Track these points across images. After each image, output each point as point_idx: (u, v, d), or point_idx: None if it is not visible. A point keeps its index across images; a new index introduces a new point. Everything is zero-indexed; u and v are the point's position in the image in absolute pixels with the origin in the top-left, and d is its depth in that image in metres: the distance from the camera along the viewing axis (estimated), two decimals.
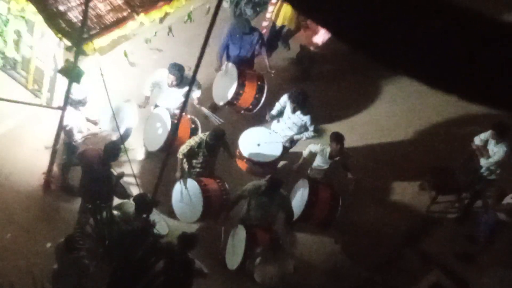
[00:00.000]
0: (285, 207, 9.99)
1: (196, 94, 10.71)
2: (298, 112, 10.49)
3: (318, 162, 10.56)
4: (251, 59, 11.39)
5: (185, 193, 10.10)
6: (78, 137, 10.01)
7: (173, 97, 10.52)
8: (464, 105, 11.48)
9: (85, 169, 9.70)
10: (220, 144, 10.20)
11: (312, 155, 10.62)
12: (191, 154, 10.17)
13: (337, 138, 10.31)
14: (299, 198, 10.41)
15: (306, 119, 10.52)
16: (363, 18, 1.68)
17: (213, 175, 10.46)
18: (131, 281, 6.74)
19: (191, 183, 10.08)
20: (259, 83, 11.06)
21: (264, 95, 11.04)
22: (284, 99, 10.73)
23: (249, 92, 11.00)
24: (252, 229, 9.79)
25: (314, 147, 10.58)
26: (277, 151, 10.63)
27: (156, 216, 9.67)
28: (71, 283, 8.81)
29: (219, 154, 10.53)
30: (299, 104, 10.40)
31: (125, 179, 10.07)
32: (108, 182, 9.56)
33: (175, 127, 10.06)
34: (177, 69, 10.28)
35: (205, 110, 10.90)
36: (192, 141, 10.16)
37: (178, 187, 10.18)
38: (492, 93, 1.76)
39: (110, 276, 7.01)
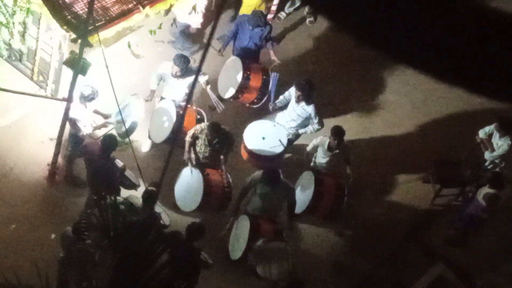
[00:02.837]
0: (288, 197, 9.99)
1: (204, 78, 10.70)
2: (303, 103, 10.48)
3: (319, 154, 10.56)
4: (257, 52, 11.37)
5: (187, 181, 10.12)
6: (85, 130, 10.03)
7: (178, 89, 10.52)
8: (468, 98, 11.46)
9: (88, 161, 9.78)
10: (221, 138, 10.17)
11: (315, 149, 10.63)
12: (194, 140, 10.22)
13: (335, 133, 10.26)
14: (305, 190, 10.41)
15: (311, 110, 10.50)
16: (369, 10, 1.69)
17: (219, 165, 10.47)
18: (136, 272, 6.76)
19: (195, 172, 10.09)
20: (264, 76, 11.04)
21: (269, 89, 11.01)
22: (289, 92, 10.72)
23: (254, 86, 10.98)
24: (256, 220, 9.81)
25: (316, 140, 10.59)
26: (282, 144, 10.62)
27: (158, 208, 9.71)
28: (77, 272, 8.86)
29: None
30: (305, 93, 10.37)
31: (130, 170, 10.10)
32: (111, 173, 9.62)
33: (180, 117, 10.13)
34: (182, 60, 10.29)
35: (212, 94, 10.86)
36: (198, 126, 10.23)
37: (182, 175, 10.22)
38: (497, 86, 1.77)
39: (114, 267, 7.03)
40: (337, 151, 10.37)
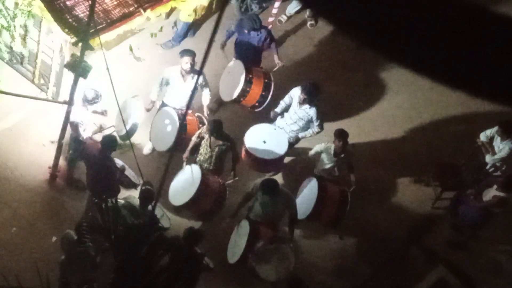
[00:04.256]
0: (289, 207, 9.95)
1: (205, 98, 10.74)
2: (305, 106, 10.47)
3: (323, 160, 10.54)
4: (258, 56, 11.36)
5: (185, 177, 10.14)
6: (85, 133, 10.04)
7: (184, 91, 10.48)
8: (470, 101, 11.46)
9: (88, 162, 9.79)
10: (222, 138, 10.17)
11: (318, 155, 10.60)
12: (200, 141, 10.25)
13: (340, 134, 10.26)
14: (308, 196, 10.36)
15: (313, 113, 10.49)
16: (370, 13, 1.69)
17: (220, 174, 10.48)
18: (137, 275, 6.76)
19: (196, 170, 10.09)
20: (266, 80, 11.02)
21: (271, 93, 11.00)
22: (289, 96, 10.72)
23: (256, 90, 10.96)
24: (256, 225, 9.79)
25: (319, 146, 10.57)
26: (283, 148, 10.61)
27: (159, 210, 9.72)
28: (78, 275, 8.86)
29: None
30: (310, 96, 10.36)
31: (131, 173, 10.11)
32: (112, 173, 9.61)
33: (183, 128, 10.19)
34: (191, 52, 10.35)
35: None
36: (203, 129, 10.28)
37: (182, 172, 10.25)
38: (498, 88, 1.77)
39: (115, 270, 7.03)
40: (342, 155, 10.35)
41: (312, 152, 10.67)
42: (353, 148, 11.10)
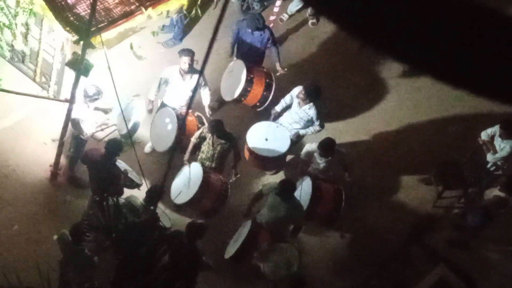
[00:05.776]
0: (295, 219, 9.91)
1: (205, 99, 10.75)
2: (305, 107, 10.46)
3: (316, 159, 10.51)
4: (261, 56, 11.34)
5: (186, 176, 10.13)
6: (87, 131, 10.03)
7: (183, 91, 10.47)
8: (471, 100, 11.46)
9: (91, 168, 9.76)
10: (223, 137, 10.16)
11: (310, 154, 10.56)
12: (200, 141, 10.23)
13: (320, 146, 10.13)
14: (302, 195, 10.36)
15: (312, 113, 10.49)
16: (372, 11, 1.69)
17: (222, 172, 10.47)
18: (138, 274, 6.76)
19: (197, 168, 10.09)
20: (267, 80, 11.01)
21: (272, 93, 10.99)
22: (290, 95, 10.71)
23: (257, 89, 10.95)
24: (258, 227, 9.78)
25: (310, 146, 10.55)
26: (285, 145, 10.60)
27: (159, 209, 9.71)
28: (77, 274, 8.87)
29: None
30: (310, 98, 10.34)
31: (132, 170, 10.10)
32: (117, 178, 9.60)
33: (183, 127, 10.17)
34: (190, 51, 10.32)
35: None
36: (205, 129, 10.26)
37: (183, 171, 10.24)
38: (499, 87, 1.77)
39: (116, 268, 7.04)
40: (330, 158, 10.30)
41: (303, 153, 10.63)
42: (352, 147, 11.09)
